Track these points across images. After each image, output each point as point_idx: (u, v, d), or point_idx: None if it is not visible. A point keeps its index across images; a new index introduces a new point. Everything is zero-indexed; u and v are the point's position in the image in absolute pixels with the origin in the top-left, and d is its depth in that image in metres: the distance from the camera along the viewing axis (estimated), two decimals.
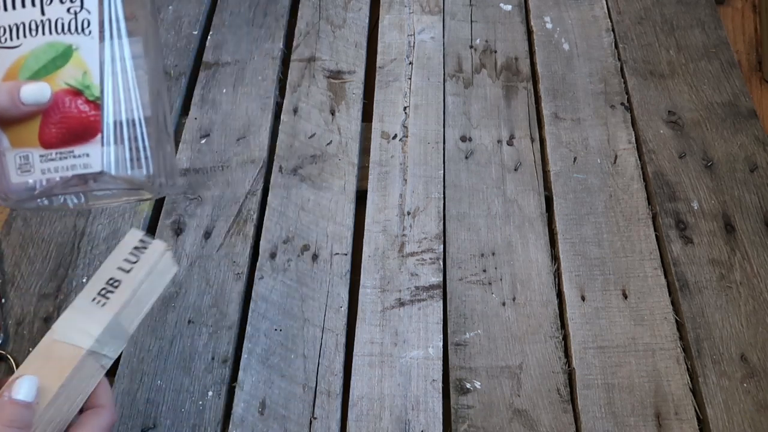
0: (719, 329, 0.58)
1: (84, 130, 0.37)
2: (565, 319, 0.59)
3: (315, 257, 0.62)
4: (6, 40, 0.37)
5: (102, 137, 0.37)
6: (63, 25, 0.37)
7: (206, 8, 0.83)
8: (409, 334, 0.57)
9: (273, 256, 0.62)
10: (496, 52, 0.78)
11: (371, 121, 0.72)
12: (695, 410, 0.54)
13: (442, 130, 0.71)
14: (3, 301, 0.59)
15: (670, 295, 0.60)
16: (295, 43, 0.79)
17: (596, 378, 0.55)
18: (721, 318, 0.58)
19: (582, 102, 0.74)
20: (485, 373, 0.56)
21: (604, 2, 0.83)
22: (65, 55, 0.37)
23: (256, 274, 0.61)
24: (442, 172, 0.68)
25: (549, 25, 0.81)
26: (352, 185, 0.67)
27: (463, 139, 0.71)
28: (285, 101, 0.74)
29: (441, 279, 0.61)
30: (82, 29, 0.37)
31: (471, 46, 0.79)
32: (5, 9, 0.37)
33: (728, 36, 0.80)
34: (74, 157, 0.37)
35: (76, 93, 0.37)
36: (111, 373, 0.56)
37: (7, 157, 0.37)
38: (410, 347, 0.57)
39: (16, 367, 0.54)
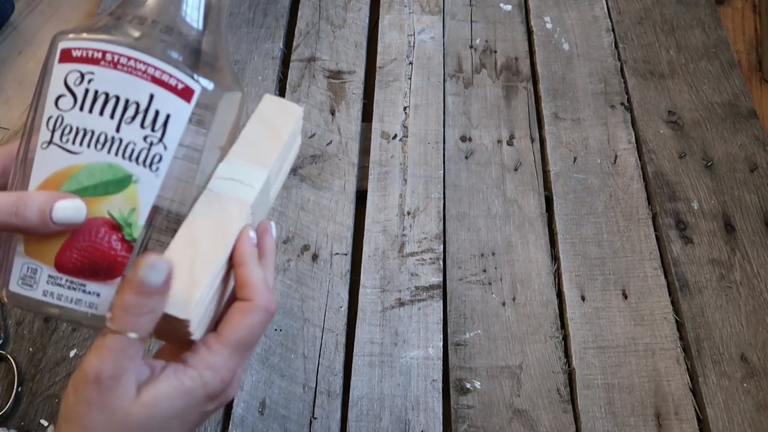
0: (719, 329, 0.58)
1: (106, 268, 0.33)
2: (565, 319, 0.59)
3: (315, 257, 0.62)
4: (68, 141, 0.32)
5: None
6: (133, 151, 0.33)
7: None
8: (409, 334, 0.57)
9: None
10: (496, 52, 0.78)
11: (371, 121, 0.72)
12: (695, 410, 0.54)
13: (442, 130, 0.71)
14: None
15: (670, 295, 0.60)
16: (295, 43, 0.79)
17: (596, 378, 0.55)
18: (721, 318, 0.58)
19: (582, 102, 0.74)
20: (485, 373, 0.56)
21: (604, 2, 0.83)
22: (122, 183, 0.33)
23: None
24: (442, 172, 0.68)
25: (549, 25, 0.81)
26: (352, 185, 0.67)
27: (463, 139, 0.71)
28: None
29: (441, 279, 0.61)
30: (151, 164, 0.33)
31: (471, 46, 0.79)
32: (81, 109, 0.33)
33: (728, 36, 0.80)
34: (84, 291, 0.33)
35: (115, 227, 0.33)
36: None
37: (15, 261, 0.33)
38: (410, 347, 0.57)
39: (16, 367, 0.54)
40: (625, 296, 0.60)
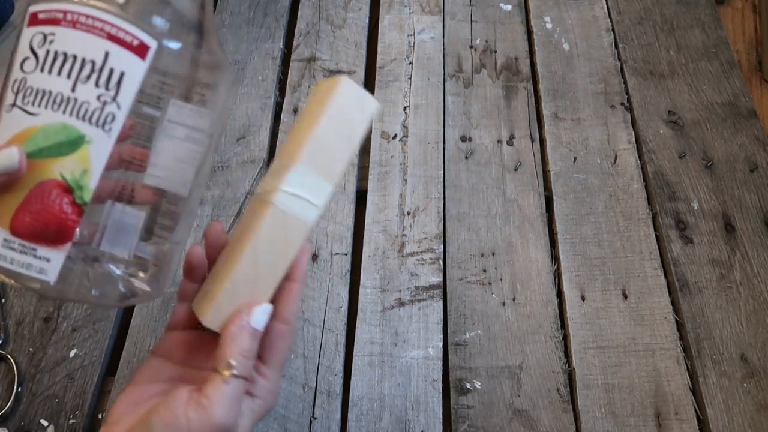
0: (719, 329, 0.58)
1: (56, 232, 0.32)
2: (565, 319, 0.59)
3: (315, 257, 0.62)
4: (28, 103, 0.32)
5: (71, 247, 0.33)
6: (87, 111, 0.32)
7: None
8: (409, 334, 0.57)
9: None
10: (496, 52, 0.78)
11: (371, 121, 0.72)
12: (695, 410, 0.54)
13: (442, 130, 0.71)
14: (3, 301, 0.59)
15: (670, 295, 0.60)
16: (295, 43, 0.79)
17: (596, 378, 0.55)
18: (721, 318, 0.58)
19: (582, 102, 0.74)
20: (485, 373, 0.56)
21: (604, 2, 0.83)
22: (74, 143, 0.32)
23: None
24: (442, 172, 0.68)
25: (549, 25, 0.81)
26: (352, 185, 0.67)
27: (463, 139, 0.71)
28: (285, 101, 0.74)
29: (441, 279, 0.61)
30: (104, 123, 0.33)
31: (471, 46, 0.79)
32: (41, 71, 0.33)
33: (728, 36, 0.80)
34: (34, 256, 0.32)
35: (67, 190, 0.32)
36: (111, 373, 0.56)
37: None
38: (410, 347, 0.57)
39: (16, 367, 0.54)
40: (625, 296, 0.60)
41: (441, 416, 0.53)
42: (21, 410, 0.53)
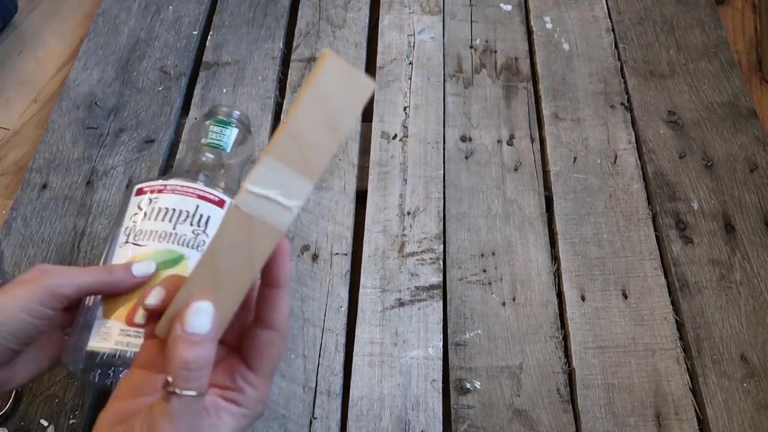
0: (719, 329, 0.58)
1: None
2: (565, 319, 0.59)
3: (315, 257, 0.62)
4: (138, 239, 0.46)
5: None
6: (185, 240, 0.46)
7: (206, 8, 0.83)
8: (409, 334, 0.57)
9: None
10: (496, 52, 0.78)
11: (371, 121, 0.72)
12: (695, 410, 0.54)
13: (442, 130, 0.71)
14: None
15: (670, 295, 0.60)
16: (295, 43, 0.79)
17: (596, 378, 0.55)
18: (721, 318, 0.58)
19: (582, 102, 0.73)
20: (485, 373, 0.56)
21: (604, 2, 0.83)
22: (176, 260, 0.45)
23: None
24: (442, 172, 0.68)
25: (549, 25, 0.81)
26: (352, 185, 0.67)
27: (463, 139, 0.71)
28: (285, 101, 0.74)
29: (441, 279, 0.60)
30: (197, 246, 0.46)
31: (471, 46, 0.79)
32: (146, 218, 0.47)
33: (728, 36, 0.80)
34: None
35: None
36: None
37: (95, 324, 0.42)
38: (410, 347, 0.57)
39: None
40: (625, 296, 0.60)
41: (441, 416, 0.53)
42: (21, 410, 0.53)
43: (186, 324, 0.30)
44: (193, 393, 0.30)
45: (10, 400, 0.53)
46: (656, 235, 0.63)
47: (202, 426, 0.31)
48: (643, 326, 0.58)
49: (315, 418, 0.53)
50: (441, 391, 0.55)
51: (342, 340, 0.57)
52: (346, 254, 0.62)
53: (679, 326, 0.58)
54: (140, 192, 0.49)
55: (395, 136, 0.71)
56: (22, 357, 0.42)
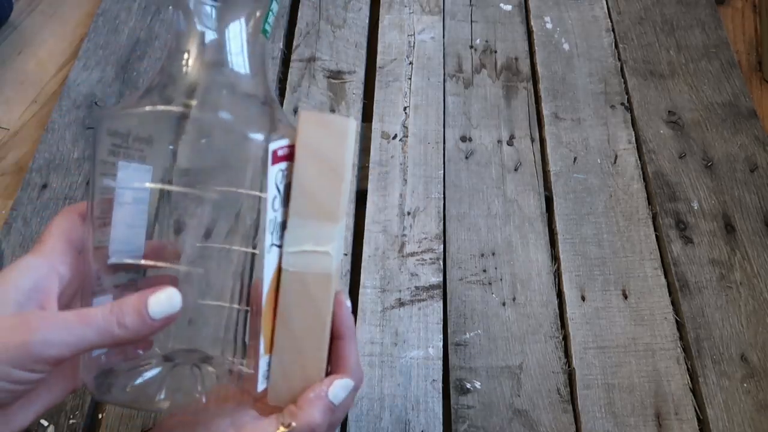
0: (719, 329, 0.58)
1: None
2: (565, 319, 0.59)
3: None
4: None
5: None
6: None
7: None
8: (409, 334, 0.57)
9: None
10: (496, 52, 0.78)
11: (371, 121, 0.72)
12: (695, 410, 0.54)
13: (442, 130, 0.71)
14: None
15: (670, 295, 0.60)
16: (295, 43, 0.79)
17: (596, 378, 0.55)
18: (721, 318, 0.58)
19: (582, 102, 0.74)
20: (485, 373, 0.56)
21: (604, 2, 0.83)
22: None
23: None
24: (442, 172, 0.68)
25: (549, 25, 0.81)
26: (352, 185, 0.67)
27: (463, 139, 0.71)
28: (285, 101, 0.74)
29: (441, 279, 0.61)
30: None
31: (471, 46, 0.79)
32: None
33: (728, 36, 0.80)
34: None
35: None
36: None
37: (261, 362, 0.36)
38: (410, 347, 0.57)
39: None
40: (625, 296, 0.60)
41: (441, 416, 0.53)
42: None
43: (332, 394, 0.33)
44: None
45: None
46: (656, 235, 0.63)
47: None
48: (643, 326, 0.58)
49: None
50: (441, 391, 0.55)
51: None
52: (346, 254, 0.62)
53: (679, 326, 0.58)
54: (277, 158, 0.32)
55: (395, 136, 0.71)
56: (21, 400, 0.32)
